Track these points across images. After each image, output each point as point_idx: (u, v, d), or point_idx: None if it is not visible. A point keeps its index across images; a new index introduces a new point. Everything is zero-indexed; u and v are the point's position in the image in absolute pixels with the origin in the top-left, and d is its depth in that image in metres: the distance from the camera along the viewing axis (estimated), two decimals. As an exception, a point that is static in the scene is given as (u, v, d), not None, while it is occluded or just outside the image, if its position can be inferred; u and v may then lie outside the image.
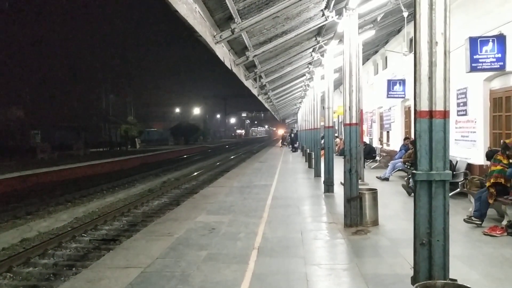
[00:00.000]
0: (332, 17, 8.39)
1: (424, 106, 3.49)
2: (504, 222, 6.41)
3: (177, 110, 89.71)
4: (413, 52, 3.60)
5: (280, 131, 62.51)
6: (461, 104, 10.20)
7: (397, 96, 14.60)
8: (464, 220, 6.80)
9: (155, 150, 42.17)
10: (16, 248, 9.35)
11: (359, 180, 7.58)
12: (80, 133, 44.34)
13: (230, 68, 9.54)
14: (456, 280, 3.37)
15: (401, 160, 12.76)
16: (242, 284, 4.60)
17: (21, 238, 10.05)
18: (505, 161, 6.53)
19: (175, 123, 70.30)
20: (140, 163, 31.31)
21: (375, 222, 7.12)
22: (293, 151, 33.19)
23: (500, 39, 8.13)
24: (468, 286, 3.04)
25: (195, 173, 23.70)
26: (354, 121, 7.22)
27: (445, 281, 3.30)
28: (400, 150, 13.65)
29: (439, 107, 3.45)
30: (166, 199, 15.23)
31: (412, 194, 9.26)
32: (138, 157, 32.95)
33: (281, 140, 51.05)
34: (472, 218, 6.75)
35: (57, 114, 44.15)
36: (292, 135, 37.29)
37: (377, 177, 13.00)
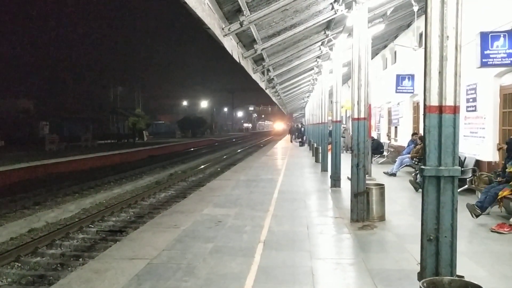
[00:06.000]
0: (342, 10, 8.31)
1: (434, 101, 3.44)
2: (513, 220, 6.37)
3: (185, 103, 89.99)
4: (422, 46, 3.55)
5: (278, 125, 54.12)
6: (471, 100, 10.10)
7: (406, 91, 14.47)
8: (467, 205, 6.76)
9: (163, 142, 42.26)
10: (24, 238, 9.46)
11: (366, 175, 7.52)
12: (88, 125, 44.55)
13: (238, 61, 9.51)
14: (463, 277, 3.34)
15: (409, 155, 12.69)
16: (248, 276, 4.61)
17: (29, 228, 10.16)
18: None
19: (182, 116, 70.51)
20: (148, 155, 31.42)
21: (382, 218, 7.09)
22: (300, 145, 33.14)
23: (512, 34, 8.01)
24: (475, 283, 3.02)
25: (202, 166, 23.75)
26: (362, 115, 7.17)
27: (452, 278, 3.28)
28: (408, 145, 13.57)
29: (449, 102, 3.41)
30: (173, 192, 15.30)
31: (419, 190, 9.26)
32: (145, 149, 33.07)
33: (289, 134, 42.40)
34: (475, 206, 6.71)
35: (66, 106, 44.43)
36: (303, 129, 37.03)
37: (384, 173, 12.94)
